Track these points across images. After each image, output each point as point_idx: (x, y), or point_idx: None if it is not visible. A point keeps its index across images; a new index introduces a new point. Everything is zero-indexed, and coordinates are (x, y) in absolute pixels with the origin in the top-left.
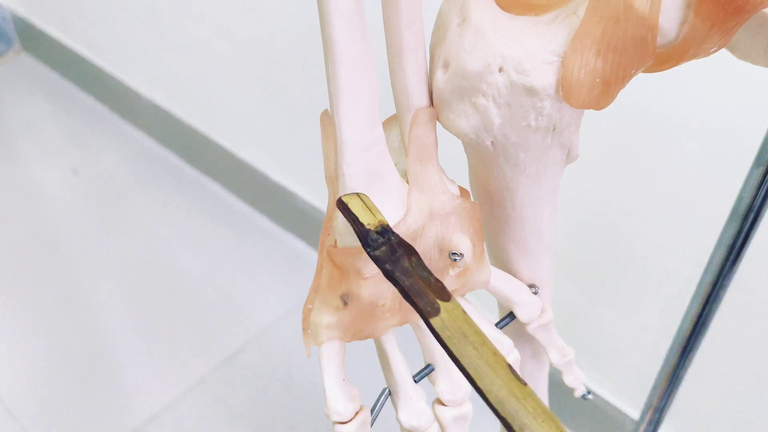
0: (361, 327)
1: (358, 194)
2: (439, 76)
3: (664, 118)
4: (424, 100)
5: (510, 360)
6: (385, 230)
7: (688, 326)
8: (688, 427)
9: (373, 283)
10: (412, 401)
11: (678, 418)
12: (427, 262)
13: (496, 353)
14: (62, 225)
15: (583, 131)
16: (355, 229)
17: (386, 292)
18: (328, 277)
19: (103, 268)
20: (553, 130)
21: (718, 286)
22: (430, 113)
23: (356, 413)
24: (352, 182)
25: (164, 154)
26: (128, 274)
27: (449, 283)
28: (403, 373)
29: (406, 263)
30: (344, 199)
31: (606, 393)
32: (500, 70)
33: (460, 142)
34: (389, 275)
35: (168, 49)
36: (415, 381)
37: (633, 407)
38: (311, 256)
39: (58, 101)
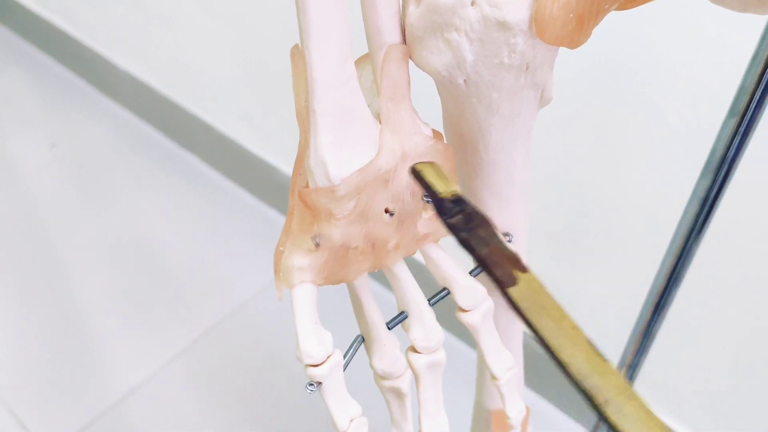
0: (333, 270)
1: (430, 162)
2: (412, 11)
3: (638, 83)
4: (396, 37)
5: (484, 309)
6: (459, 199)
7: (662, 281)
8: (658, 393)
9: (344, 224)
10: (386, 348)
11: (647, 384)
12: (399, 205)
13: (575, 327)
14: (40, 199)
15: (556, 100)
16: (430, 197)
17: (358, 234)
18: (299, 218)
19: (82, 241)
20: (527, 68)
21: (691, 238)
22: (402, 50)
23: (328, 357)
24: (323, 119)
25: (143, 127)
26: (107, 247)
27: (422, 226)
28: (377, 319)
29: (482, 232)
30: (417, 167)
31: None
32: (473, 3)
33: (434, 87)
34: (465, 243)
35: (147, 21)
36: (389, 328)
37: None
38: None
39: (35, 74)
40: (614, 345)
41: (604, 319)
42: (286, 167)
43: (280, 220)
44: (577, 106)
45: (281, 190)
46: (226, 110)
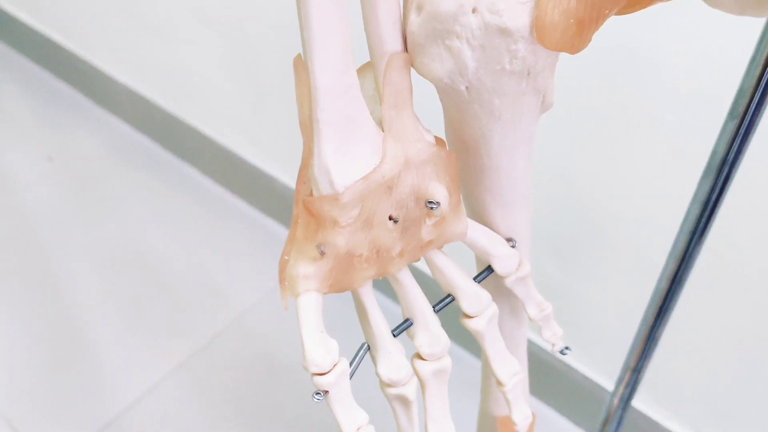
0: (338, 278)
1: None
2: (413, 19)
3: (637, 84)
4: (398, 46)
5: (489, 314)
6: None
7: (665, 284)
8: (660, 395)
9: (349, 232)
10: (391, 355)
11: (649, 386)
12: (403, 212)
13: None
14: (38, 212)
15: (556, 103)
16: None
17: (363, 241)
18: (303, 226)
19: (80, 254)
20: (528, 74)
21: (693, 241)
22: (404, 58)
23: (334, 365)
24: (327, 128)
25: (140, 139)
26: (105, 260)
27: (426, 233)
28: (382, 327)
29: None
30: None
31: (583, 366)
32: (474, 11)
33: (435, 94)
34: None
35: (142, 33)
36: (394, 335)
37: (610, 381)
38: None
39: (31, 88)
40: (618, 348)
41: (607, 323)
42: (284, 177)
43: (278, 229)
44: (576, 108)
45: (279, 200)
46: (222, 121)
